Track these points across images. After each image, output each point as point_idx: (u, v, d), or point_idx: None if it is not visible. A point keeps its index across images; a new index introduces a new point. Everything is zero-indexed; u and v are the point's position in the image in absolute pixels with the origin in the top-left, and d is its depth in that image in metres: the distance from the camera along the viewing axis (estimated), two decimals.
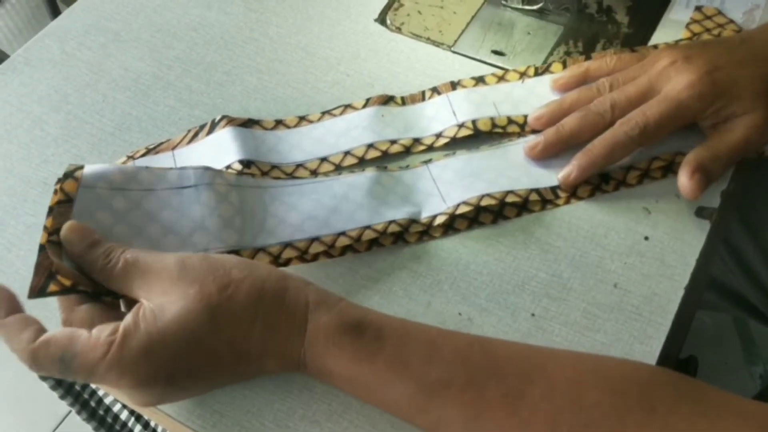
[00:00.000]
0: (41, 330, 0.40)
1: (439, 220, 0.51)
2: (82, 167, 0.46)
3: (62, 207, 0.44)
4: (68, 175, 0.45)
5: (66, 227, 0.43)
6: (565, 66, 0.59)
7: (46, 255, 0.42)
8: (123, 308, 0.44)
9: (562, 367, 0.40)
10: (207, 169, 0.49)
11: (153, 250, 0.45)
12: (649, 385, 0.38)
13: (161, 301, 0.40)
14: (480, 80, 0.59)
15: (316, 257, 0.49)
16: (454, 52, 0.63)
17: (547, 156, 0.54)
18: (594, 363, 0.41)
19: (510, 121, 0.56)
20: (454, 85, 0.59)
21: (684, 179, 0.50)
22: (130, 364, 0.38)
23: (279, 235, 0.50)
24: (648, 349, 0.46)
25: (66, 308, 0.43)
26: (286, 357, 0.41)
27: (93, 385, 0.80)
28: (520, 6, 0.65)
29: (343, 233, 0.50)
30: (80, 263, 0.43)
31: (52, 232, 0.43)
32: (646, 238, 0.51)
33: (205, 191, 0.48)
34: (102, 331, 0.39)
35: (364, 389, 0.41)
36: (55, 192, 0.45)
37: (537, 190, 0.52)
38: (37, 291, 0.41)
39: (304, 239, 0.49)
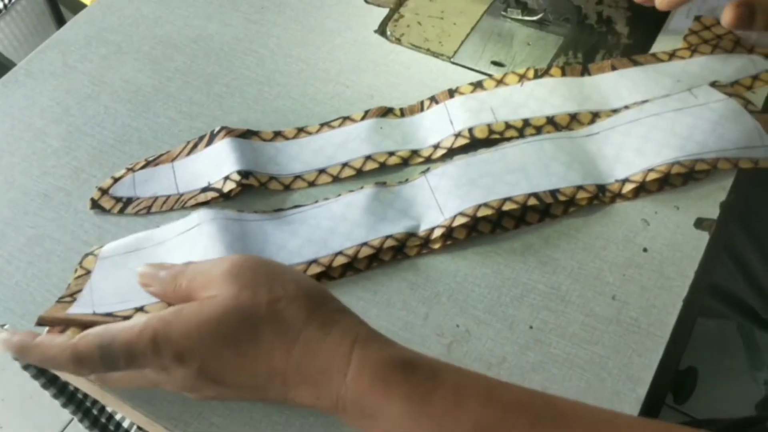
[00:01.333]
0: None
1: (437, 233, 0.51)
2: (101, 247, 0.52)
3: (80, 278, 0.50)
4: (88, 254, 0.52)
5: (142, 267, 0.44)
6: (564, 71, 0.59)
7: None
8: None
9: (631, 425, 0.38)
10: (210, 208, 0.52)
11: None
12: None
13: (214, 295, 0.40)
14: (478, 85, 0.59)
15: (316, 280, 0.50)
16: (454, 63, 0.63)
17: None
18: (663, 428, 0.38)
19: (508, 126, 0.56)
20: (451, 93, 0.59)
21: (729, 7, 0.54)
22: (166, 337, 0.38)
23: (279, 260, 0.50)
24: (646, 361, 0.46)
25: None
26: (323, 389, 0.38)
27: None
28: (519, 17, 0.65)
29: (340, 253, 0.50)
30: (155, 292, 0.44)
31: (64, 296, 0.49)
32: (645, 250, 0.51)
33: (207, 226, 0.50)
34: (135, 319, 0.40)
35: None
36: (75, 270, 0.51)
37: (536, 195, 0.51)
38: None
39: (303, 263, 0.50)
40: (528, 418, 0.36)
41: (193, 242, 0.50)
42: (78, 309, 0.47)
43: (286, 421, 0.45)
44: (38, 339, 0.42)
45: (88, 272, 0.50)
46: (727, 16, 0.54)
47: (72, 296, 0.48)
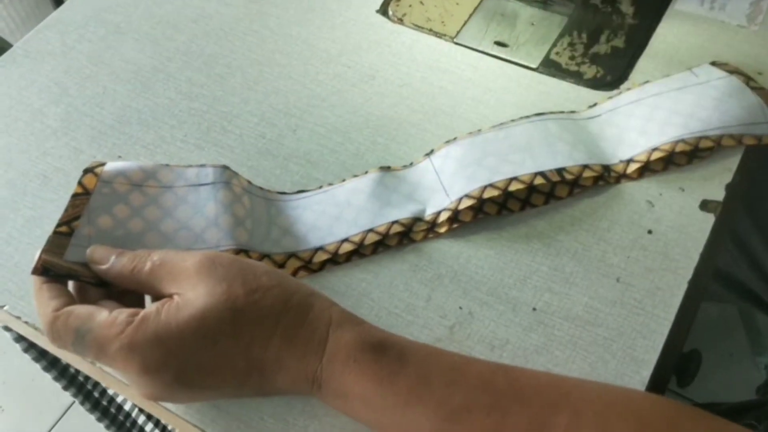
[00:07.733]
0: (70, 303, 0.40)
1: (443, 216, 0.50)
2: (103, 164, 0.47)
3: (78, 199, 0.45)
4: (88, 170, 0.46)
5: (90, 249, 0.43)
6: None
7: (46, 248, 0.42)
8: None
9: (589, 397, 0.39)
10: (225, 168, 0.49)
11: (165, 244, 0.46)
12: (676, 420, 0.37)
13: (189, 296, 0.39)
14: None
15: (321, 266, 0.49)
16: (457, 44, 0.62)
17: None
18: (621, 394, 0.40)
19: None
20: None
21: None
22: (140, 348, 0.38)
23: (284, 245, 0.50)
24: (651, 343, 0.46)
25: (78, 288, 0.43)
26: (300, 373, 0.40)
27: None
28: None
29: (346, 239, 0.50)
30: (109, 277, 0.42)
31: (61, 223, 0.44)
32: (650, 232, 0.50)
33: (221, 189, 0.48)
34: (121, 313, 0.39)
35: (382, 411, 0.39)
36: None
37: (542, 173, 0.50)
38: (40, 273, 0.42)
39: (308, 249, 0.49)
40: (489, 396, 0.38)
41: (204, 202, 0.48)
42: (74, 252, 0.43)
43: (287, 403, 0.44)
44: (44, 285, 0.41)
45: (87, 193, 0.45)
46: None
47: (69, 225, 0.44)
